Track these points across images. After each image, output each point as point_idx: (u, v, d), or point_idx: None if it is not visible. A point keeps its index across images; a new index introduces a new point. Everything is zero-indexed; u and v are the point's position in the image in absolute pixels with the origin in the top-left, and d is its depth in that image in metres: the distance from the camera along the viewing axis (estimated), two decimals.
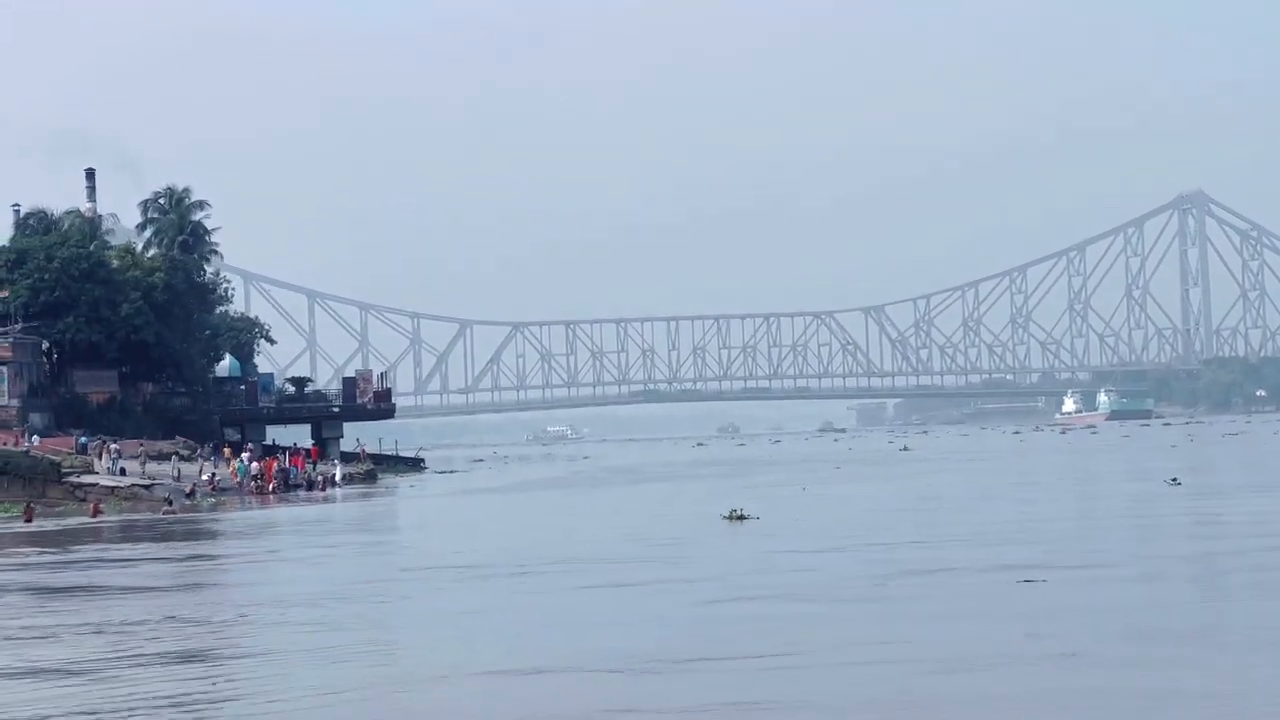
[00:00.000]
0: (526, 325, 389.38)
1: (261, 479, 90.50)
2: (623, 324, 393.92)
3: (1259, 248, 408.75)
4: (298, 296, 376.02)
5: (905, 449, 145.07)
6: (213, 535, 54.93)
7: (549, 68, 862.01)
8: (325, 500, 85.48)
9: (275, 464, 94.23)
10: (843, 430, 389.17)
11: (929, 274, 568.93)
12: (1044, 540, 39.93)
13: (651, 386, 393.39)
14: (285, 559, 44.64)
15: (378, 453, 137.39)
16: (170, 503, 73.60)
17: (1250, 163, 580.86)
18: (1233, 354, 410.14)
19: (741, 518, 51.99)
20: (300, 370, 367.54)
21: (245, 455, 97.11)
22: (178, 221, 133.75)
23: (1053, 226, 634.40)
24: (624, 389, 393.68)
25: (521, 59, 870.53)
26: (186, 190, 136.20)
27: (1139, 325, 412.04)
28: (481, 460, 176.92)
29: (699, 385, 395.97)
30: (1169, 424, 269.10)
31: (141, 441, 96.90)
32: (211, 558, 45.28)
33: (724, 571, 35.31)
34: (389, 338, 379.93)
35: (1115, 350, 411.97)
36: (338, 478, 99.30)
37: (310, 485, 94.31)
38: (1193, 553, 35.81)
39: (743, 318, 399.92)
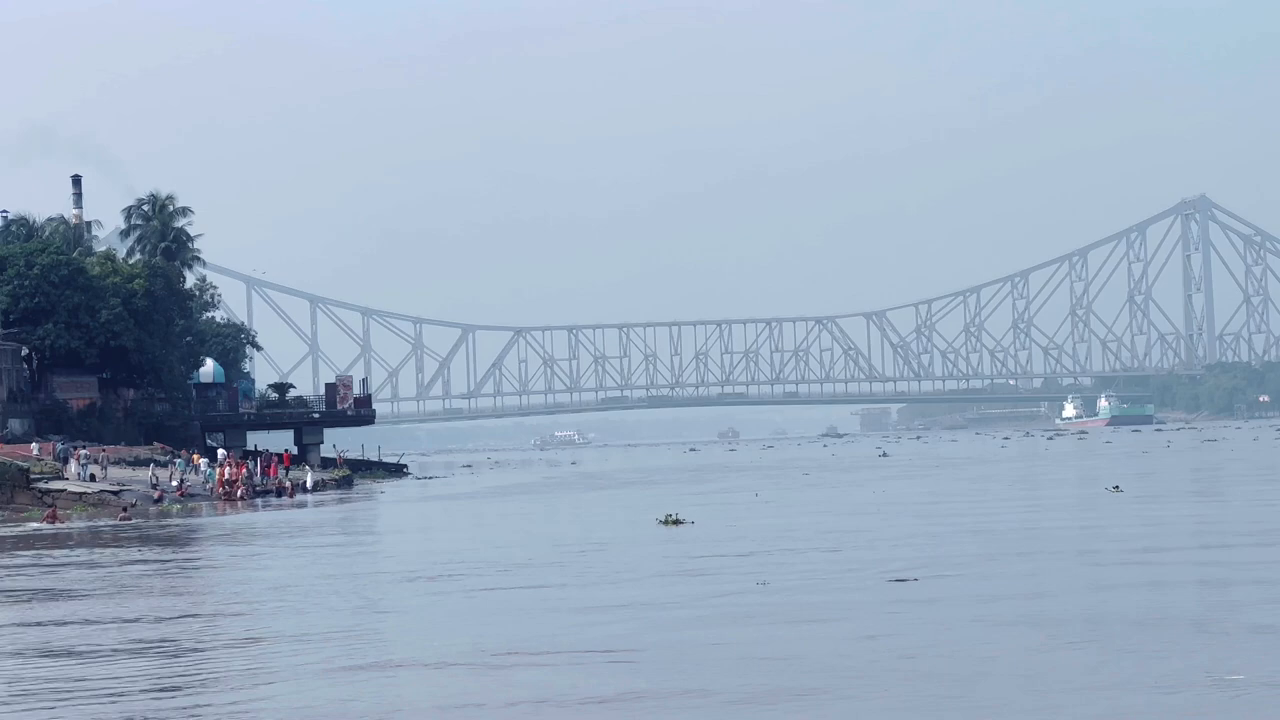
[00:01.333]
0: (529, 330, 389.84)
1: (230, 485, 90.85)
2: (625, 329, 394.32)
3: (1262, 253, 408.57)
4: (300, 302, 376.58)
5: (884, 455, 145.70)
6: (152, 542, 55.46)
7: (544, 73, 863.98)
8: (294, 506, 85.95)
9: (244, 469, 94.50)
10: (844, 435, 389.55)
11: (930, 279, 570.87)
12: (934, 545, 40.60)
13: (654, 392, 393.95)
14: (206, 564, 45.27)
15: (360, 458, 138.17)
16: (126, 510, 74.20)
17: (1254, 168, 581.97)
18: (1236, 359, 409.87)
19: (677, 522, 52.51)
20: (303, 375, 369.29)
21: (209, 460, 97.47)
22: (160, 228, 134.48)
23: (1055, 231, 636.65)
24: (627, 394, 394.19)
25: (518, 65, 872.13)
26: (170, 197, 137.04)
27: (1141, 330, 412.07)
28: (469, 466, 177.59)
29: (701, 390, 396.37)
30: (1160, 429, 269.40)
31: (105, 448, 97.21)
32: (135, 562, 45.74)
33: (620, 574, 35.98)
34: (392, 343, 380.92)
35: (1118, 355, 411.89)
36: (309, 484, 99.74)
37: (280, 492, 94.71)
38: (1061, 555, 36.28)
39: (745, 323, 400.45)
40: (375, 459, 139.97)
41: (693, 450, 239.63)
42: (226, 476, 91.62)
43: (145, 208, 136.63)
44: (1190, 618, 24.47)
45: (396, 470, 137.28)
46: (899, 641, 23.14)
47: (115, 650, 25.05)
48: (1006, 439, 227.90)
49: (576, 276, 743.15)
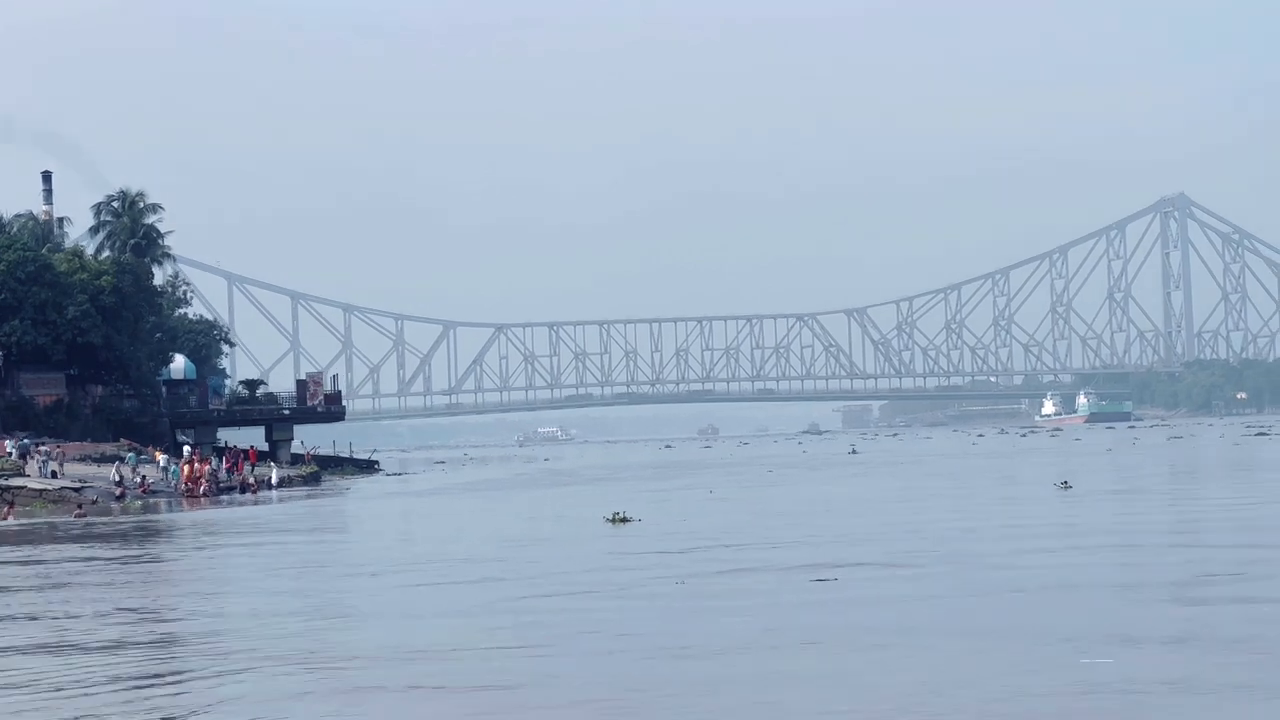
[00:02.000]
0: (510, 327, 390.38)
1: (195, 481, 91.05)
2: (606, 326, 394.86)
3: (1240, 251, 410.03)
4: (282, 298, 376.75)
5: (854, 452, 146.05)
6: (98, 539, 55.65)
7: (530, 74, 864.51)
8: (256, 503, 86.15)
9: (207, 466, 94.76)
10: (823, 432, 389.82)
11: (911, 276, 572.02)
12: (868, 542, 40.86)
13: (634, 388, 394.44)
14: (147, 560, 45.48)
15: (331, 455, 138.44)
16: (81, 506, 74.42)
17: (1233, 166, 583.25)
18: (1214, 356, 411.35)
19: (624, 520, 52.64)
20: (284, 371, 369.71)
21: (170, 456, 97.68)
22: (130, 225, 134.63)
23: (1035, 229, 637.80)
24: (607, 390, 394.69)
25: (505, 66, 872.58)
26: (140, 194, 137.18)
27: (1121, 328, 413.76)
28: (443, 462, 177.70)
29: (682, 387, 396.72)
30: (1132, 427, 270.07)
31: (61, 444, 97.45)
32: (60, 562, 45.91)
33: (554, 570, 36.24)
34: (373, 339, 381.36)
35: (1097, 353, 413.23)
36: (274, 480, 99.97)
37: (244, 488, 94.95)
38: (978, 556, 36.52)
39: (725, 319, 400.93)
40: (347, 455, 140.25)
41: (668, 447, 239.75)
42: (191, 473, 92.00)
43: (115, 204, 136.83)
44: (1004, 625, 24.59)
45: (368, 467, 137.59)
46: (783, 637, 23.41)
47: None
48: (980, 436, 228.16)
49: (558, 274, 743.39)
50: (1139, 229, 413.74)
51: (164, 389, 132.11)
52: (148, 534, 58.15)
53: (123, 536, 56.24)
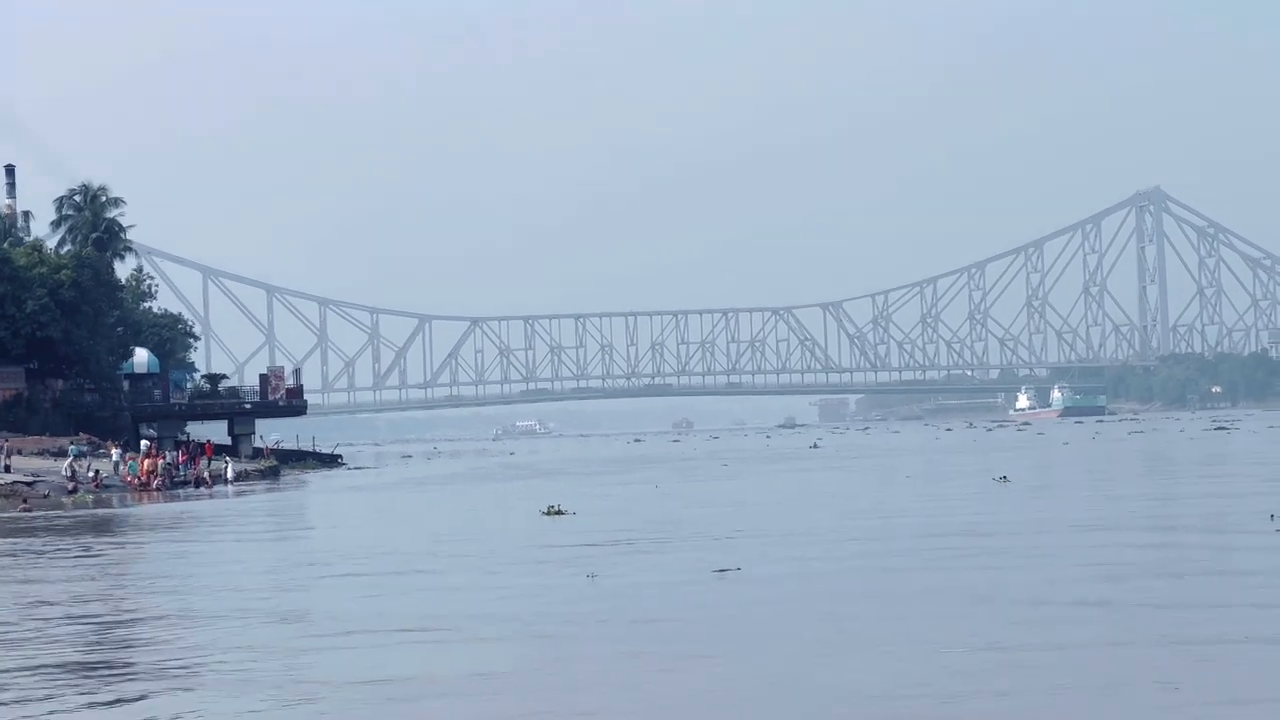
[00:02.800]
0: (485, 320, 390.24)
1: (150, 475, 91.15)
2: (581, 319, 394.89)
3: (1216, 245, 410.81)
4: (257, 292, 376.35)
5: (815, 446, 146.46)
6: (35, 533, 55.91)
7: (498, 68, 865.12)
8: (212, 496, 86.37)
9: (161, 459, 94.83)
10: (796, 426, 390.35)
11: (886, 270, 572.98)
12: (790, 537, 41.27)
13: (609, 382, 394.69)
14: (74, 554, 45.69)
15: (294, 449, 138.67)
16: (26, 501, 74.59)
17: (1208, 160, 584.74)
18: (1189, 350, 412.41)
19: (559, 514, 52.98)
20: (260, 365, 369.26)
21: (124, 450, 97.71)
22: (91, 219, 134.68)
23: (1011, 223, 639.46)
24: (582, 384, 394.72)
25: (473, 58, 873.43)
26: (102, 188, 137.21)
27: (1096, 322, 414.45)
28: (409, 456, 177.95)
29: (657, 380, 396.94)
30: (1101, 421, 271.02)
31: (8, 438, 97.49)
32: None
33: (474, 563, 36.82)
34: (348, 333, 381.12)
35: (1073, 347, 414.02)
36: (229, 475, 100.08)
37: (198, 483, 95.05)
38: (890, 551, 36.86)
39: (701, 313, 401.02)
40: (310, 449, 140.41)
41: (638, 441, 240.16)
42: (149, 468, 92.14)
43: (77, 198, 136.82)
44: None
45: (330, 461, 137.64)
46: (658, 628, 23.77)
47: None
48: (948, 430, 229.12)
49: (533, 268, 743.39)
50: (1114, 223, 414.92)
51: (127, 383, 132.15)
52: (84, 528, 58.26)
53: (59, 530, 56.44)
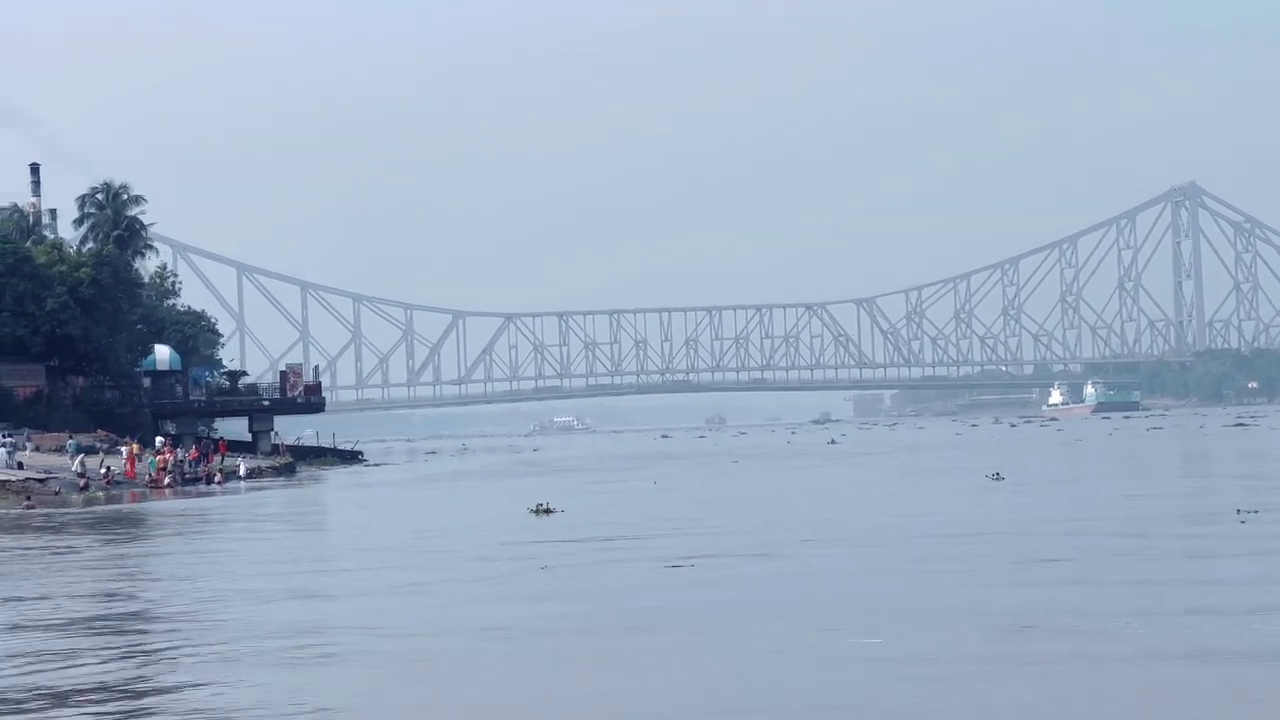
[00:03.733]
0: (519, 316, 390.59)
1: (161, 471, 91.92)
2: (615, 315, 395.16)
3: (1252, 240, 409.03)
4: (291, 288, 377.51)
5: (833, 442, 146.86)
6: (26, 530, 56.63)
7: (534, 63, 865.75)
8: (224, 493, 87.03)
9: (172, 456, 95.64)
10: (824, 423, 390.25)
11: (920, 266, 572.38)
12: (764, 532, 41.82)
13: (643, 378, 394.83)
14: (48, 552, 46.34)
15: (314, 445, 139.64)
16: (30, 498, 75.35)
17: (1244, 156, 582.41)
18: (1225, 346, 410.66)
19: (547, 511, 53.51)
20: (292, 361, 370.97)
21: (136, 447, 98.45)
22: (113, 216, 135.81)
23: (1045, 218, 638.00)
24: (616, 380, 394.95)
25: (502, 50, 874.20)
26: (124, 186, 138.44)
27: (1131, 317, 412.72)
28: (434, 452, 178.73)
29: (691, 376, 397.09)
30: (1129, 417, 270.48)
31: (25, 434, 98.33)
32: None
33: (443, 559, 37.66)
34: (382, 329, 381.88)
35: (1107, 342, 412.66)
36: (241, 472, 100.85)
37: (209, 479, 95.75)
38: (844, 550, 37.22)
39: (735, 309, 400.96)
40: (330, 445, 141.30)
41: (665, 437, 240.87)
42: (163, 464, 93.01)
43: (99, 196, 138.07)
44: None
45: (351, 457, 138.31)
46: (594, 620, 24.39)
47: None
48: (974, 425, 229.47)
49: (567, 264, 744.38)
50: (1149, 218, 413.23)
51: (149, 380, 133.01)
52: (82, 526, 58.93)
53: (56, 529, 57.10)
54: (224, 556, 41.91)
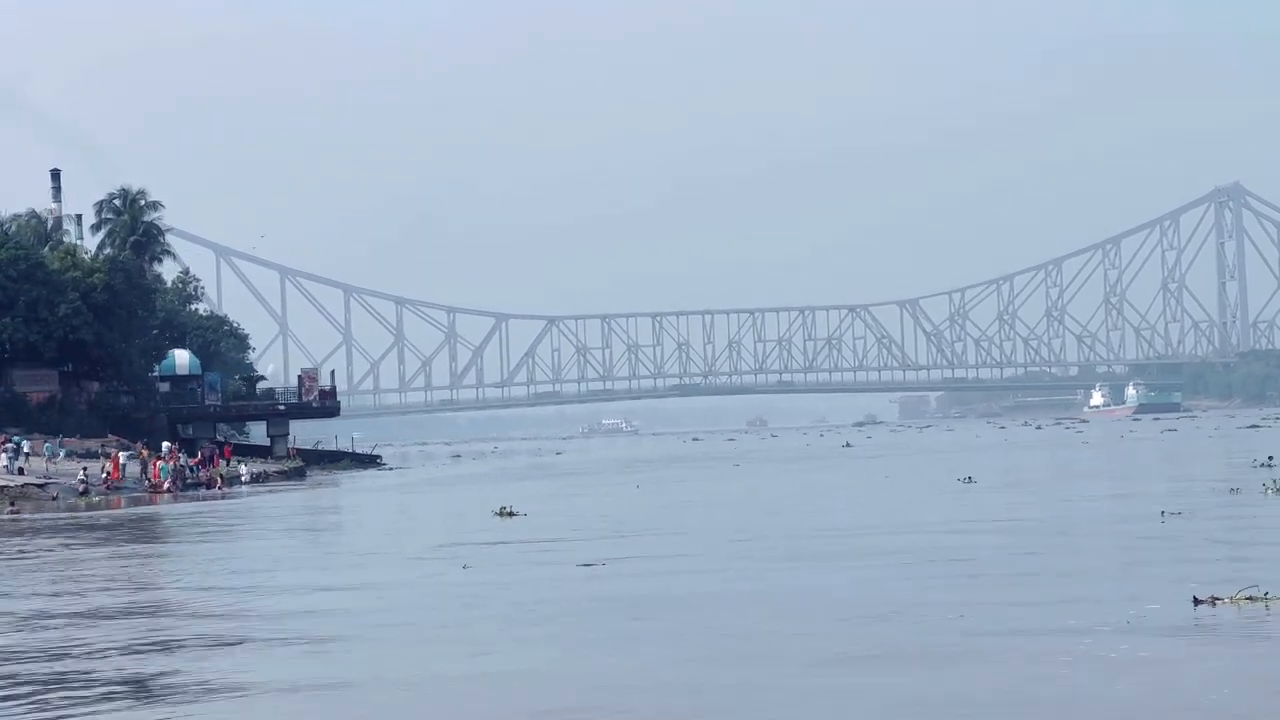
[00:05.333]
0: (562, 319, 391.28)
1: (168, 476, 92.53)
2: (658, 318, 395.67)
3: None
4: (334, 292, 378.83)
5: (847, 445, 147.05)
6: None
7: (570, 60, 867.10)
8: (224, 497, 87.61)
9: (174, 460, 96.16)
10: (882, 423, 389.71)
11: (963, 267, 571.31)
12: (690, 533, 42.33)
13: (687, 380, 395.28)
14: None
15: (333, 449, 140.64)
16: (13, 503, 76.02)
17: None
18: (1269, 347, 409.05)
19: (510, 514, 54.06)
20: (336, 364, 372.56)
21: (130, 454, 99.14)
22: (130, 222, 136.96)
23: (1088, 220, 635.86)
24: (659, 383, 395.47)
25: (521, 40, 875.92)
26: (141, 191, 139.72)
27: (1175, 318, 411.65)
28: (459, 456, 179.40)
29: (733, 379, 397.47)
30: (1158, 418, 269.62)
31: (34, 439, 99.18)
32: None
33: (379, 561, 38.79)
34: (424, 332, 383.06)
35: (1151, 343, 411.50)
36: (244, 477, 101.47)
37: (210, 484, 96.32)
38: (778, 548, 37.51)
39: (778, 311, 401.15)
40: (348, 450, 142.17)
41: (696, 440, 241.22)
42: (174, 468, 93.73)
43: (116, 202, 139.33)
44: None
45: (368, 461, 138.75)
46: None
47: None
48: (1003, 428, 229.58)
49: (609, 266, 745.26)
50: (1193, 219, 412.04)
51: (168, 384, 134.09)
52: (54, 530, 59.52)
53: (22, 533, 57.71)
54: (168, 560, 42.49)
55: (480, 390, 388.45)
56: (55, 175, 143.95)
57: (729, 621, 24.05)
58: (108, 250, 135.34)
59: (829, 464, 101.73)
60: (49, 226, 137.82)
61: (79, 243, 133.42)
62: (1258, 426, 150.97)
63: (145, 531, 57.96)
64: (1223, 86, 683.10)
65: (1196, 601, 23.58)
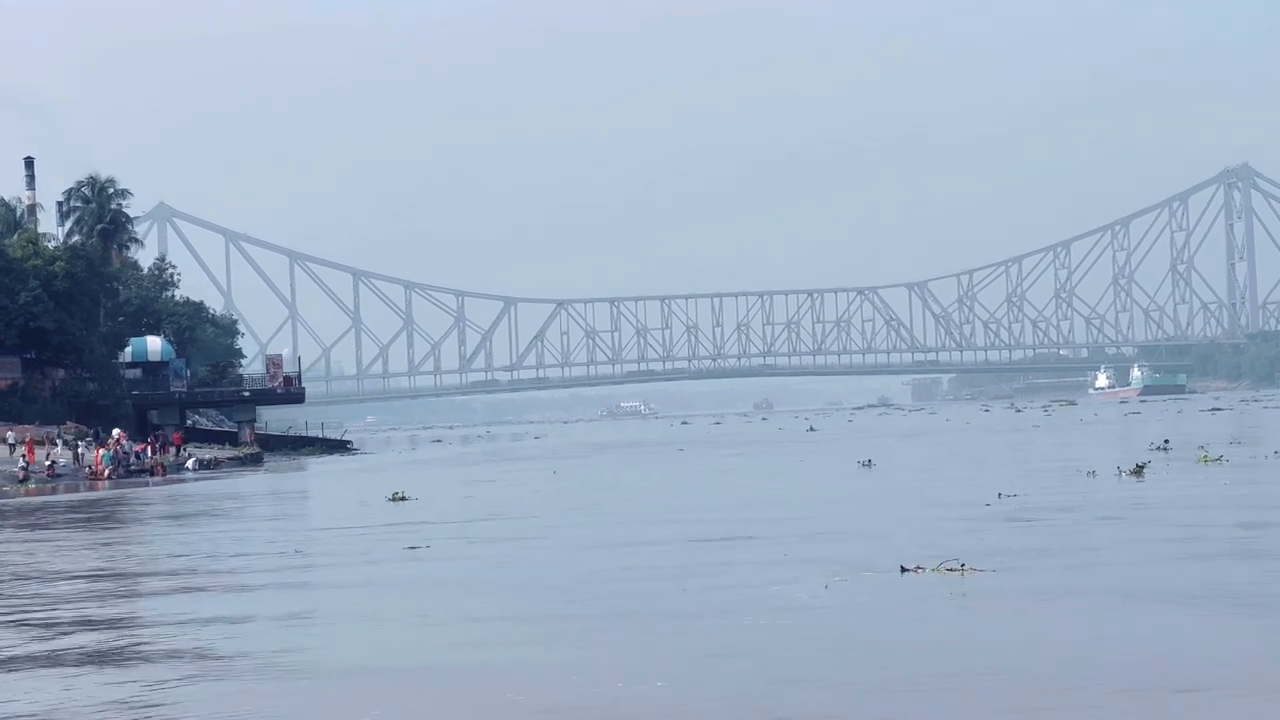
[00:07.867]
0: (571, 303, 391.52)
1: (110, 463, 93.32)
2: (667, 301, 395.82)
3: None
4: (343, 276, 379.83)
5: (811, 430, 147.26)
6: None
7: (583, 50, 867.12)
8: (165, 483, 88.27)
9: (116, 448, 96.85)
10: (894, 405, 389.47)
11: (971, 250, 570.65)
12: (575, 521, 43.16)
13: (695, 363, 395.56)
14: None
15: (303, 434, 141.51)
16: None
17: None
18: (1278, 328, 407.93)
19: (402, 499, 54.90)
20: (345, 349, 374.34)
21: (89, 440, 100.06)
22: (98, 210, 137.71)
23: (1096, 201, 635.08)
24: (668, 365, 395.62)
25: (536, 33, 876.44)
26: (110, 180, 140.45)
27: (1184, 300, 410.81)
28: (440, 440, 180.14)
29: (743, 361, 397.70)
30: (1145, 400, 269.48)
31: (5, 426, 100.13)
32: None
33: (253, 543, 39.81)
34: (434, 316, 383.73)
35: (1160, 325, 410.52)
36: (190, 465, 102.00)
37: (152, 471, 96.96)
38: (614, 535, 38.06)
39: (786, 294, 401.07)
40: (318, 435, 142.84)
41: (684, 423, 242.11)
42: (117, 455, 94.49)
43: (85, 190, 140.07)
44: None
45: (338, 446, 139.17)
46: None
47: None
48: (986, 410, 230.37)
49: (617, 250, 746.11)
50: (1202, 200, 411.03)
51: (141, 371, 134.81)
52: None
53: None
54: (45, 546, 43.21)
55: (489, 373, 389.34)
56: (29, 163, 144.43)
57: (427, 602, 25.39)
58: (76, 237, 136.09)
59: (768, 449, 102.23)
60: (19, 215, 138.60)
61: (43, 231, 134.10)
62: (1218, 409, 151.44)
63: (60, 518, 58.67)
64: (1231, 64, 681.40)
65: (903, 570, 25.92)
